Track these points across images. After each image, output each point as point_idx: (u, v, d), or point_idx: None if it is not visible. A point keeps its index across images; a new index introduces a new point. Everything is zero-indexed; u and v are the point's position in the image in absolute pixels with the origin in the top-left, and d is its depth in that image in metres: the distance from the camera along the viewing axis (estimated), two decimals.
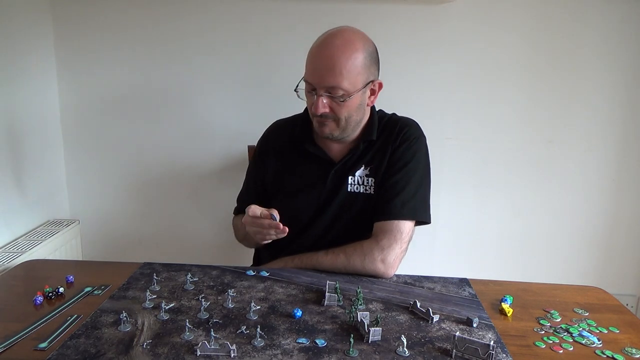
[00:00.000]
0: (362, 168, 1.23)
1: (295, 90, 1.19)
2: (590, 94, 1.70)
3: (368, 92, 1.18)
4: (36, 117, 1.63)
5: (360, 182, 1.22)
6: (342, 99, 1.12)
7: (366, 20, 1.65)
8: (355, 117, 1.18)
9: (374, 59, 1.17)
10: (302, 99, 1.21)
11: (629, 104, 1.70)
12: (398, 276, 1.15)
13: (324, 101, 1.13)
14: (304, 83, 1.17)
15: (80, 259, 1.79)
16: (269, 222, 1.08)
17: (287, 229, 1.07)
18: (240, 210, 1.35)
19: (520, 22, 1.65)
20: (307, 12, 1.65)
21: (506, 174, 1.77)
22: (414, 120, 1.29)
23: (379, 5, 1.64)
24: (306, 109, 1.30)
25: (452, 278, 1.16)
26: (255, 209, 1.10)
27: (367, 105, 1.21)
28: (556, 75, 1.69)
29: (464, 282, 1.14)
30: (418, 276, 1.16)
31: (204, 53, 1.70)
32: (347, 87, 1.11)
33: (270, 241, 1.14)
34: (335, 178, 1.24)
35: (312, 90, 1.14)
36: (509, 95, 1.71)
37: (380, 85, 1.21)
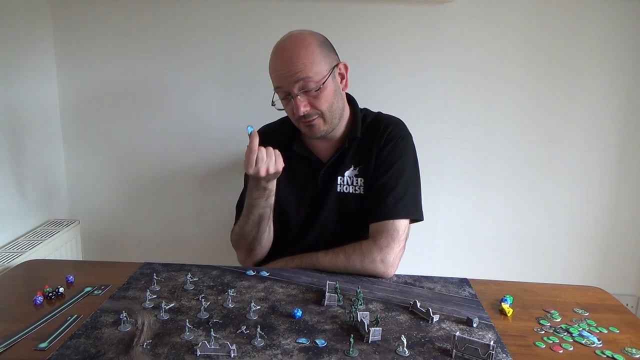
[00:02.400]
0: (352, 168, 1.24)
1: (272, 104, 1.21)
2: (590, 94, 1.70)
3: (338, 78, 1.20)
4: (36, 117, 1.63)
5: (350, 183, 1.23)
6: (316, 90, 1.14)
7: (366, 20, 1.65)
8: (337, 105, 1.20)
9: (328, 46, 1.20)
10: (280, 110, 1.23)
11: (629, 104, 1.70)
12: (398, 276, 1.15)
13: (301, 100, 1.15)
14: (277, 95, 1.20)
15: (80, 259, 1.78)
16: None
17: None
18: None
19: (520, 22, 1.65)
20: (307, 12, 1.65)
21: (506, 173, 1.77)
22: (399, 119, 1.30)
23: (379, 5, 1.64)
24: None
25: (452, 278, 1.16)
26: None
27: (342, 90, 1.23)
28: (556, 75, 1.68)
29: (464, 282, 1.14)
30: (418, 276, 1.16)
31: (205, 53, 1.70)
32: (314, 77, 1.13)
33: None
34: (325, 178, 1.24)
35: (287, 95, 1.16)
36: (509, 95, 1.71)
37: (346, 67, 1.23)
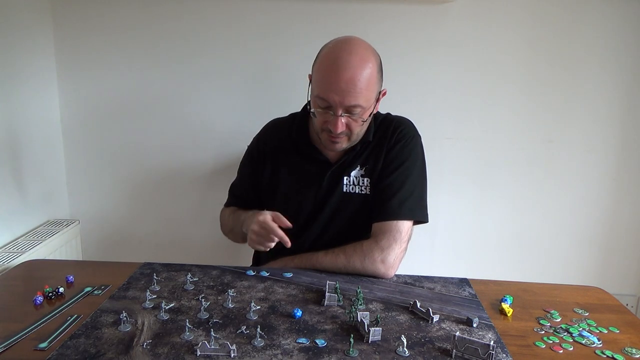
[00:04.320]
0: (358, 168, 1.23)
1: (310, 110, 1.17)
2: (590, 94, 1.70)
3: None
4: (36, 117, 1.63)
5: (356, 183, 1.23)
6: (360, 117, 1.13)
7: (366, 20, 1.65)
8: (365, 127, 1.20)
9: (381, 70, 1.17)
10: (314, 117, 1.17)
11: (629, 104, 1.70)
12: (398, 276, 1.15)
13: (343, 121, 1.12)
14: (314, 101, 1.15)
15: (80, 259, 1.79)
16: (279, 232, 1.09)
17: (289, 244, 1.10)
18: (231, 203, 1.40)
19: (520, 22, 1.65)
20: (306, 12, 1.65)
21: (506, 173, 1.77)
22: (408, 119, 1.29)
23: (379, 5, 1.64)
24: (303, 108, 1.30)
25: (452, 278, 1.16)
26: (267, 217, 1.11)
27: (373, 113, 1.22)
28: (556, 75, 1.68)
29: (464, 282, 1.14)
30: (418, 276, 1.16)
31: (204, 54, 1.70)
32: (364, 104, 1.11)
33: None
34: (331, 179, 1.24)
35: (328, 107, 1.12)
36: (509, 95, 1.71)
37: (384, 93, 1.22)
